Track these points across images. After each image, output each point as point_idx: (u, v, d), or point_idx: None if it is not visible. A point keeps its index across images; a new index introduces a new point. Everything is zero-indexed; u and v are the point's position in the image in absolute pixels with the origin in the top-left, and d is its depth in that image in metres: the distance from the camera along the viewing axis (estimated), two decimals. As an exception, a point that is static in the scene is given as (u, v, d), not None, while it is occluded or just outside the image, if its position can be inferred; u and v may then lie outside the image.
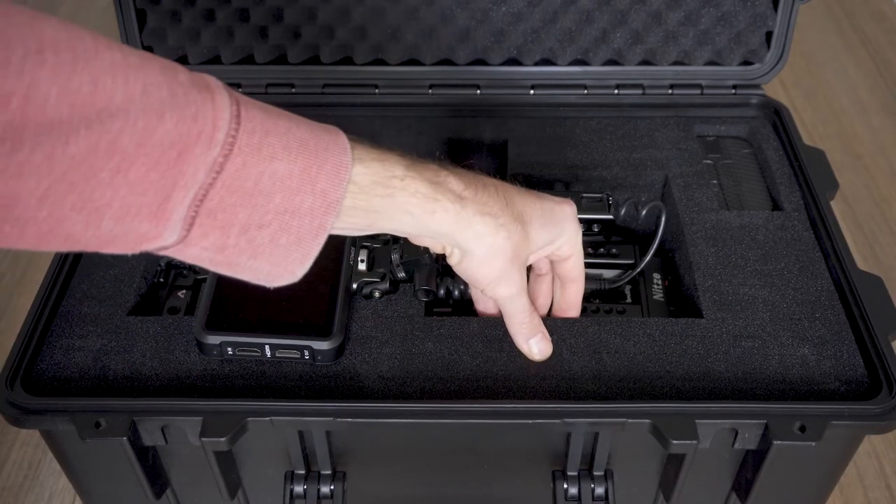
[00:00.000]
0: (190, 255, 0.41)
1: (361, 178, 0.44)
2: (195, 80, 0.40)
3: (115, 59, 0.37)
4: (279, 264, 0.43)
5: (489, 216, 0.48)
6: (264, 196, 0.40)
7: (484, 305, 0.58)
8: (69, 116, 0.35)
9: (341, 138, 0.43)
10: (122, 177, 0.37)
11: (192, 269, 0.62)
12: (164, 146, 0.37)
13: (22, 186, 0.35)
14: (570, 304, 0.58)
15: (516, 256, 0.50)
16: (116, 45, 0.38)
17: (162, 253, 0.41)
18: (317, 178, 0.42)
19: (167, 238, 0.39)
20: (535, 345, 0.54)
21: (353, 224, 0.45)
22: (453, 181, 0.47)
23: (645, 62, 0.76)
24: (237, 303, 0.54)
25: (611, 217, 0.65)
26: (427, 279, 0.58)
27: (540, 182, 0.70)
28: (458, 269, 0.51)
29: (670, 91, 0.76)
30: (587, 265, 0.64)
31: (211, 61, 0.75)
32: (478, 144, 0.74)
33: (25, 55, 0.34)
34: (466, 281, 0.52)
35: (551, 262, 0.57)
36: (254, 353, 0.54)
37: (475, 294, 0.58)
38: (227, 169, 0.39)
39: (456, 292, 0.60)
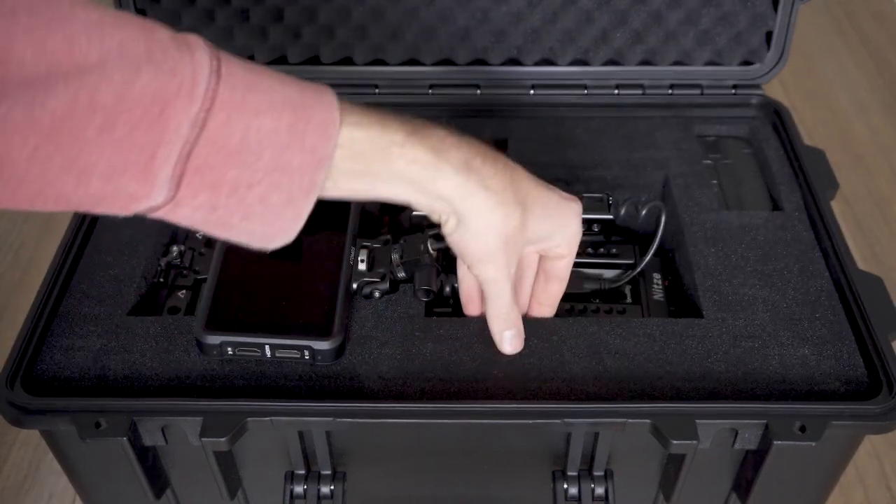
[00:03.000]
0: (182, 215, 0.41)
1: (360, 143, 0.44)
2: (175, 38, 0.40)
3: (90, 18, 0.37)
4: (272, 224, 0.43)
5: (491, 191, 0.47)
6: (252, 153, 0.40)
7: (468, 285, 0.57)
8: (46, 74, 0.35)
9: (328, 95, 0.43)
10: (107, 135, 0.37)
11: (192, 269, 0.62)
12: (144, 102, 0.37)
13: (8, 145, 0.35)
14: (550, 301, 0.57)
15: (510, 240, 0.49)
16: (94, 6, 0.38)
17: (155, 215, 0.41)
18: (304, 133, 0.41)
19: (156, 197, 0.40)
20: (509, 339, 0.54)
21: (352, 189, 0.45)
22: (458, 149, 0.46)
23: (645, 62, 0.76)
24: (237, 303, 0.54)
25: (611, 217, 0.65)
26: (427, 279, 0.58)
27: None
28: (450, 240, 0.50)
29: (670, 91, 0.76)
30: (588, 265, 0.64)
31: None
32: (478, 144, 0.74)
33: (2, 16, 0.35)
34: (456, 254, 0.51)
35: (540, 257, 0.56)
36: (254, 353, 0.54)
37: (461, 272, 0.57)
38: (209, 124, 0.39)
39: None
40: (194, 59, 0.39)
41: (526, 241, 0.51)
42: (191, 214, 0.41)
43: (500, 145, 0.73)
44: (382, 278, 0.58)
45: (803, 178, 0.68)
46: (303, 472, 0.56)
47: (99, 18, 0.38)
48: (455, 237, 0.49)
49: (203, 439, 0.49)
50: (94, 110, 0.37)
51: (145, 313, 0.59)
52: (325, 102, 0.43)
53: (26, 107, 0.35)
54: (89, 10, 0.38)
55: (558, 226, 0.52)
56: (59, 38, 0.36)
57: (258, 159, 0.40)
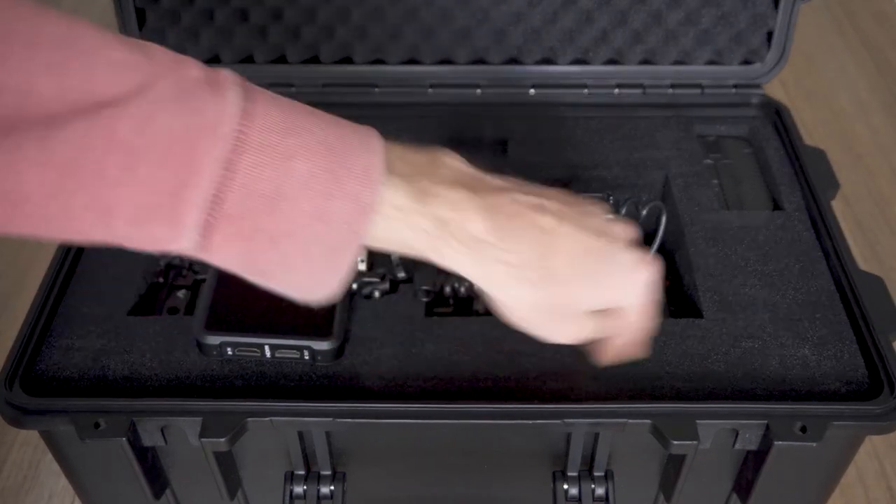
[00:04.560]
0: (219, 260, 0.39)
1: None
2: (207, 75, 0.38)
3: (114, 57, 0.36)
4: (313, 275, 0.40)
5: (512, 267, 0.43)
6: (288, 201, 0.38)
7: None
8: (65, 111, 0.34)
9: (372, 138, 0.41)
10: (129, 174, 0.35)
11: (192, 269, 0.62)
12: (168, 140, 0.36)
13: (26, 181, 0.34)
14: (611, 351, 0.51)
15: (552, 311, 0.45)
16: (123, 43, 0.37)
17: (193, 257, 0.39)
18: (345, 179, 0.39)
19: (184, 243, 0.38)
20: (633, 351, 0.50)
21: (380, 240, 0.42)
22: (472, 221, 0.42)
23: (645, 62, 0.76)
24: (237, 303, 0.54)
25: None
26: (427, 279, 0.58)
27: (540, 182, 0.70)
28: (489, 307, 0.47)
29: (671, 91, 0.76)
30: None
31: (211, 61, 0.75)
32: (478, 144, 0.74)
33: (23, 49, 0.34)
34: None
35: None
36: (254, 354, 0.54)
37: None
38: (239, 168, 0.37)
39: (462, 289, 0.60)
40: (224, 97, 0.37)
41: (577, 309, 0.46)
42: (228, 261, 0.39)
43: (500, 145, 0.73)
44: (382, 278, 0.58)
45: (804, 177, 0.68)
46: (303, 472, 0.56)
47: (125, 55, 0.36)
48: (491, 307, 0.46)
49: (203, 439, 0.49)
50: (113, 146, 0.35)
51: (145, 313, 0.59)
52: (368, 145, 0.40)
53: (41, 140, 0.34)
54: (115, 49, 0.36)
55: (614, 298, 0.47)
56: (82, 74, 0.35)
57: (294, 206, 0.38)
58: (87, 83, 0.35)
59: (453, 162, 0.44)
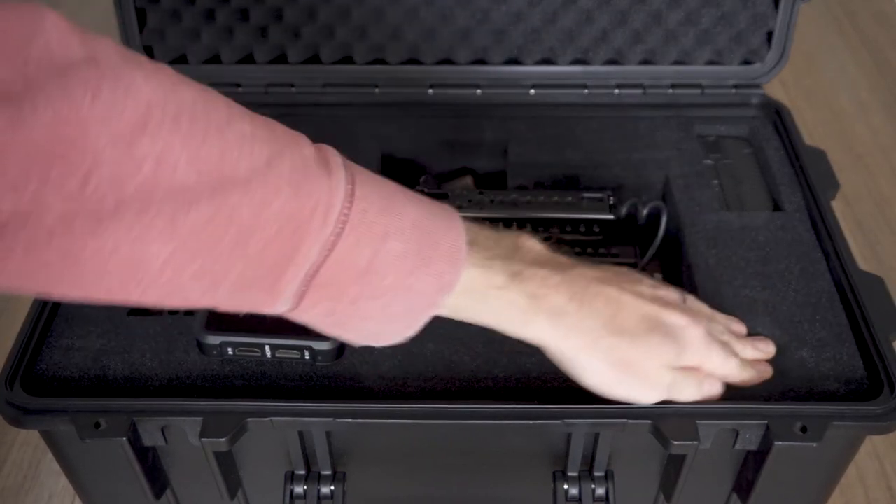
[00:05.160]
0: (302, 319, 0.43)
1: (465, 280, 0.44)
2: (317, 154, 0.40)
3: (244, 130, 0.38)
4: (386, 327, 0.44)
5: (588, 331, 0.47)
6: (377, 275, 0.41)
7: None
8: (195, 184, 0.36)
9: (456, 220, 0.44)
10: (240, 251, 0.38)
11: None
12: (280, 222, 0.38)
13: (146, 250, 0.36)
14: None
15: (627, 365, 0.48)
16: (248, 115, 0.39)
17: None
18: (431, 259, 0.42)
19: (279, 308, 0.41)
20: (749, 377, 0.52)
21: (454, 313, 0.45)
22: (556, 294, 0.46)
23: (645, 62, 0.76)
24: (237, 303, 0.54)
25: (611, 217, 0.65)
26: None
27: (540, 182, 0.70)
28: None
29: (671, 91, 0.76)
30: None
31: (211, 61, 0.75)
32: (478, 144, 0.74)
33: (162, 120, 0.35)
34: None
35: None
36: (254, 353, 0.54)
37: None
38: (338, 247, 0.40)
39: None
40: (332, 181, 0.40)
41: (659, 364, 0.49)
42: (310, 318, 0.43)
43: (500, 145, 0.73)
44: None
45: (804, 178, 0.68)
46: (303, 472, 0.56)
47: (252, 131, 0.38)
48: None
49: (203, 439, 0.49)
50: (231, 225, 0.37)
51: (145, 313, 0.59)
52: (452, 228, 0.43)
53: (170, 215, 0.35)
54: (244, 122, 0.38)
55: (678, 348, 0.49)
56: (215, 148, 0.36)
57: (382, 279, 0.41)
58: (218, 157, 0.36)
59: (533, 244, 0.48)
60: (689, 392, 0.50)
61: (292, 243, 0.39)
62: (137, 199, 0.34)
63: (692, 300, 0.54)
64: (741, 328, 0.56)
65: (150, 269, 0.36)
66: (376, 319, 0.43)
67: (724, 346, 0.52)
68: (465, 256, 0.43)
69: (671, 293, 0.52)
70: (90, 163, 0.33)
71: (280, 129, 0.40)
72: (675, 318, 0.50)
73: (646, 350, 0.48)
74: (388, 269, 0.41)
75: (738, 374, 0.52)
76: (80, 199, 0.33)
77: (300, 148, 0.40)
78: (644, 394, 0.49)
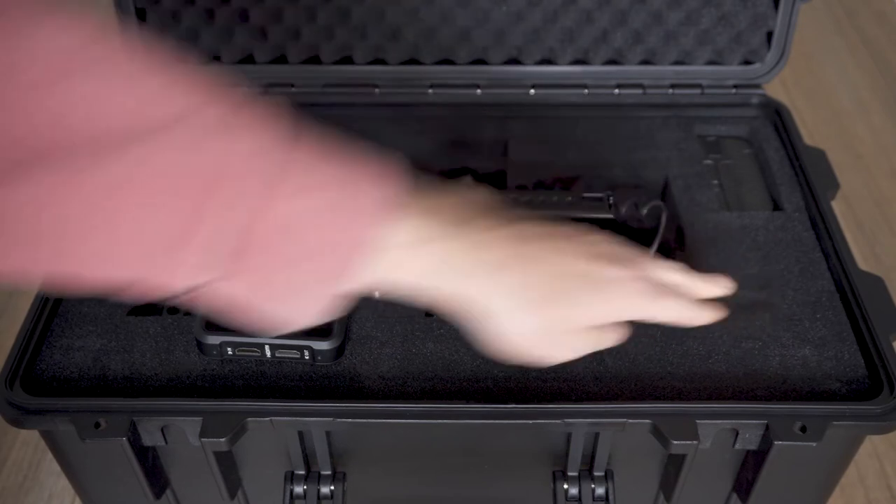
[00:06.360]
0: (218, 296, 0.40)
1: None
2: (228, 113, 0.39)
3: (152, 83, 0.37)
4: (290, 305, 0.41)
5: (526, 289, 0.45)
6: (300, 233, 0.39)
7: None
8: (103, 136, 0.35)
9: (391, 174, 0.43)
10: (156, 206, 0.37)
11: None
12: (200, 174, 0.37)
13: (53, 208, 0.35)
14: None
15: (558, 329, 0.46)
16: (158, 69, 0.38)
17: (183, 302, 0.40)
18: (357, 209, 0.41)
19: (179, 280, 0.39)
20: (693, 318, 0.49)
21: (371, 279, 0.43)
22: (500, 247, 0.44)
23: (645, 62, 0.76)
24: (237, 303, 0.54)
25: (611, 217, 0.65)
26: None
27: (540, 182, 0.70)
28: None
29: (671, 91, 0.76)
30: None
31: (211, 61, 0.75)
32: (478, 144, 0.74)
33: (70, 70, 0.35)
34: None
35: None
36: (254, 353, 0.54)
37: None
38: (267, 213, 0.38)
39: None
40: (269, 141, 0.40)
41: (580, 324, 0.47)
42: (229, 291, 0.40)
43: (500, 145, 0.73)
44: (382, 278, 0.58)
45: (804, 178, 0.68)
46: (303, 472, 0.56)
47: (171, 79, 0.38)
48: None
49: (203, 439, 0.49)
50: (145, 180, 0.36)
51: (145, 313, 0.59)
52: (386, 180, 0.42)
53: (57, 174, 0.34)
54: (154, 72, 0.38)
55: (613, 314, 0.48)
56: (130, 97, 0.36)
57: (305, 236, 0.40)
58: (133, 108, 0.36)
59: (479, 194, 0.47)
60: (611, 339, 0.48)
61: (219, 200, 0.37)
62: (40, 152, 0.34)
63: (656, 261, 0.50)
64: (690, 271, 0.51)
65: (71, 234, 0.35)
66: (280, 297, 0.41)
67: (670, 293, 0.48)
68: (399, 204, 0.42)
69: (614, 247, 0.49)
70: None
71: (202, 82, 0.39)
72: (615, 272, 0.47)
73: (583, 311, 0.46)
74: (310, 222, 0.39)
75: (689, 318, 0.49)
76: None
77: (226, 98, 0.39)
78: (560, 354, 0.47)
